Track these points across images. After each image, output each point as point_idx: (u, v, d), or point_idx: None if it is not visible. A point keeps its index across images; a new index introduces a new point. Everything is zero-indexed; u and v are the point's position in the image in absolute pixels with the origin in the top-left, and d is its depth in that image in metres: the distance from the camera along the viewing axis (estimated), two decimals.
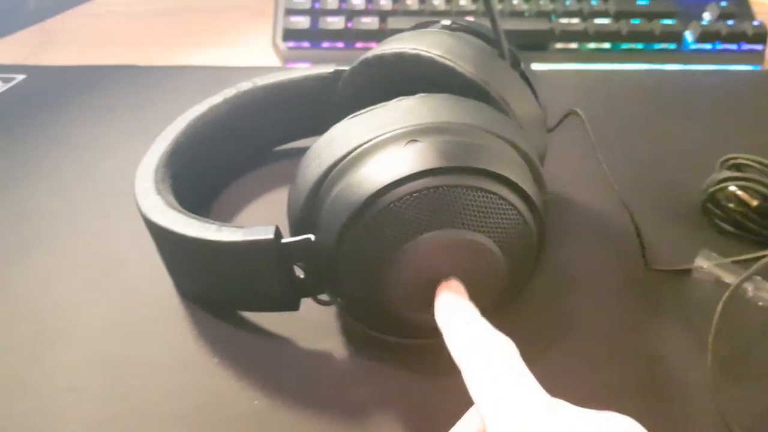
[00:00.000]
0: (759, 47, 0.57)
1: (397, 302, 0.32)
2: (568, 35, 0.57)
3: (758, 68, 0.57)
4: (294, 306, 0.35)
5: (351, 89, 0.40)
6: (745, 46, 0.57)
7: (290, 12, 0.58)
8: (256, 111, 0.44)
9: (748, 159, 0.43)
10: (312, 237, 0.32)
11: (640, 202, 0.44)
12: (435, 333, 0.33)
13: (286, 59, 0.57)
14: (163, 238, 0.35)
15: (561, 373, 0.35)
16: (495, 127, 0.32)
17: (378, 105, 0.33)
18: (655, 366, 0.36)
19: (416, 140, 0.31)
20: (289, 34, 0.57)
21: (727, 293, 0.34)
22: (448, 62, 0.36)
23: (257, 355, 0.35)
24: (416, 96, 0.33)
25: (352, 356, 0.35)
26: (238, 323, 0.37)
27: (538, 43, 0.57)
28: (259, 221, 0.33)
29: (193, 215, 0.34)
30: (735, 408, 0.33)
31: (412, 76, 0.37)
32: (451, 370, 0.34)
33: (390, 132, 0.31)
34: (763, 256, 0.36)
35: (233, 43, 0.61)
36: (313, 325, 0.36)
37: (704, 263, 0.40)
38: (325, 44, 0.57)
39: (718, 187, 0.42)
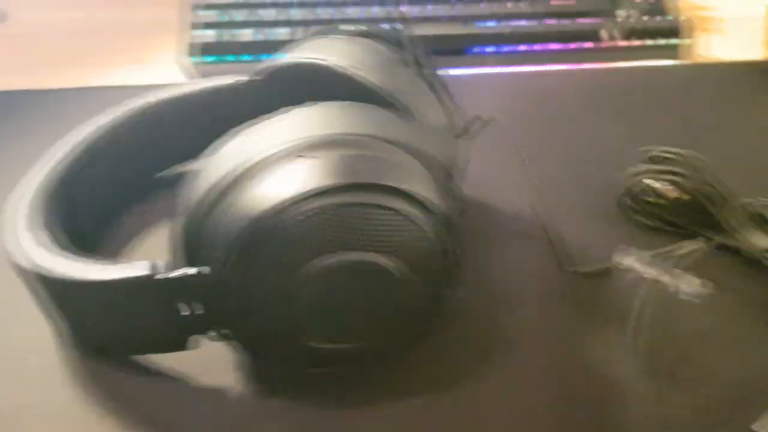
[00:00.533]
0: (675, 41, 0.57)
1: (292, 333, 0.29)
2: (485, 38, 0.56)
3: (675, 62, 0.57)
4: (182, 346, 0.32)
5: (247, 103, 0.38)
6: (661, 41, 0.57)
7: (196, 26, 0.55)
8: (150, 129, 0.41)
9: (665, 151, 0.42)
10: (193, 270, 0.29)
11: (558, 202, 0.43)
12: (338, 360, 0.31)
13: (192, 75, 0.54)
14: (28, 279, 0.32)
15: (494, 390, 0.33)
16: (396, 136, 0.30)
17: (264, 117, 0.30)
18: (587, 374, 0.34)
19: (305, 156, 0.28)
20: (196, 49, 0.54)
21: (646, 290, 0.33)
22: (346, 71, 0.34)
23: (148, 401, 0.32)
24: (308, 105, 0.31)
25: (252, 393, 0.33)
26: (126, 368, 0.34)
27: (455, 48, 0.56)
28: (158, 254, 0.30)
29: (69, 252, 0.31)
30: (670, 414, 0.32)
31: (311, 88, 0.34)
32: (359, 400, 0.32)
33: (276, 148, 0.29)
34: (683, 248, 0.35)
35: (145, 61, 0.58)
36: (208, 363, 0.33)
37: (622, 260, 0.38)
38: (233, 58, 0.55)
39: (634, 180, 0.41)
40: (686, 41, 0.57)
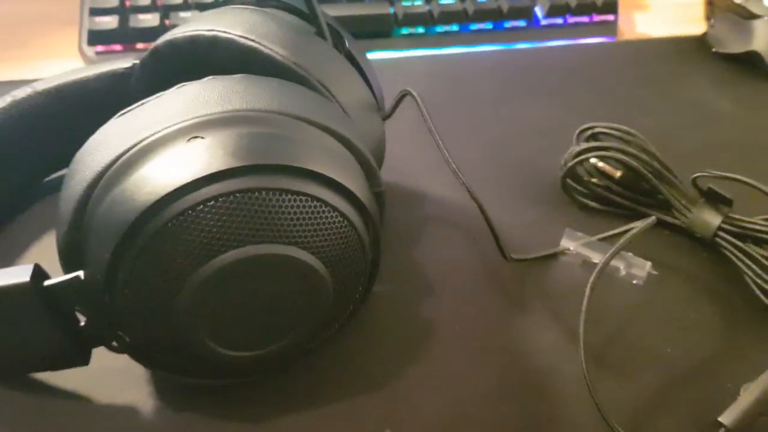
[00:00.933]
0: (610, 17, 0.55)
1: (199, 342, 0.25)
2: (413, 18, 0.52)
3: (612, 39, 0.55)
4: (83, 360, 0.28)
5: (144, 86, 0.33)
6: (597, 18, 0.55)
7: (95, 12, 0.50)
8: (37, 123, 0.37)
9: (606, 127, 0.39)
10: (81, 273, 0.25)
11: (495, 188, 0.40)
12: (248, 367, 0.28)
13: None
14: None
15: (429, 383, 0.30)
16: (306, 111, 0.27)
17: (153, 96, 0.26)
18: (528, 363, 0.32)
19: (199, 136, 0.24)
20: (96, 37, 0.49)
21: (594, 275, 0.30)
22: (251, 43, 0.30)
23: (49, 423, 0.29)
24: (203, 80, 0.27)
25: (161, 408, 0.29)
26: (22, 387, 0.30)
27: (380, 30, 0.52)
28: (44, 264, 0.26)
29: None
30: (612, 399, 0.29)
31: (212, 64, 0.30)
32: (276, 408, 0.29)
33: (167, 128, 0.24)
34: (631, 230, 0.32)
35: (40, 56, 0.52)
36: (113, 376, 0.30)
37: (569, 244, 0.35)
38: (140, 45, 0.50)
39: (576, 160, 0.38)
40: (620, 18, 0.55)
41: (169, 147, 0.24)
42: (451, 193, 0.39)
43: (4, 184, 0.37)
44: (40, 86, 0.37)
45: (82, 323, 0.27)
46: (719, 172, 0.35)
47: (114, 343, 0.27)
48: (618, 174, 0.38)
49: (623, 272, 0.34)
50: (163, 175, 0.23)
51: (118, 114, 0.26)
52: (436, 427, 0.29)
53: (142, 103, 0.26)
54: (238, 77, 0.27)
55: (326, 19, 0.33)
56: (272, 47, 0.30)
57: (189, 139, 0.24)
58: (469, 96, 0.48)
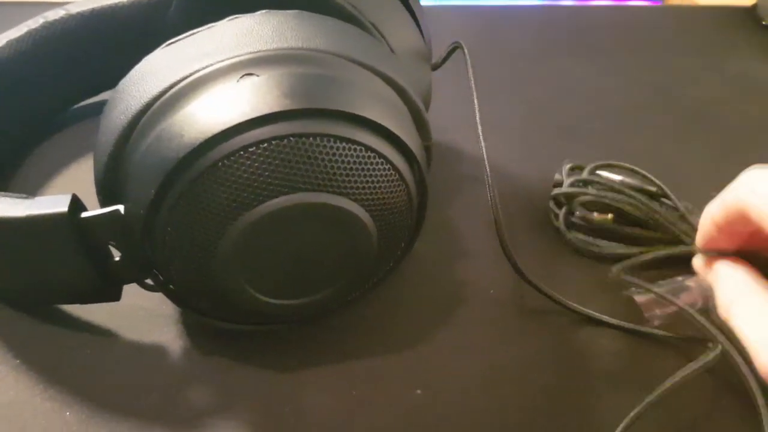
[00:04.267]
0: None
1: (238, 288, 0.25)
2: None
3: (659, 3, 0.53)
4: (115, 296, 0.27)
5: (182, 17, 0.32)
6: None
7: None
8: (69, 47, 0.35)
9: (599, 166, 0.35)
10: (121, 208, 0.24)
11: (533, 157, 0.39)
12: (285, 316, 0.27)
13: None
14: None
15: (461, 346, 0.30)
16: (362, 54, 0.25)
17: (203, 27, 0.25)
18: (562, 334, 0.30)
19: (253, 74, 0.23)
20: None
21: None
22: None
23: (72, 356, 0.28)
24: (256, 14, 0.25)
25: (189, 350, 0.29)
26: (48, 318, 0.29)
27: None
28: (78, 192, 0.25)
29: None
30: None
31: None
32: (305, 361, 0.28)
33: (217, 63, 0.23)
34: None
35: None
36: (141, 315, 0.29)
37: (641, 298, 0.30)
38: None
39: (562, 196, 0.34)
40: None
41: (221, 82, 0.23)
42: (492, 152, 0.38)
43: (32, 107, 0.36)
44: (73, 9, 0.35)
45: (117, 258, 0.26)
46: None
47: (148, 281, 0.26)
48: (609, 217, 0.33)
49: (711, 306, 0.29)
50: (214, 112, 0.22)
51: (166, 43, 0.25)
52: (466, 391, 0.28)
53: (192, 33, 0.25)
54: (292, 13, 0.26)
55: None
56: None
57: (242, 76, 0.23)
58: (511, 52, 0.47)
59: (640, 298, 0.30)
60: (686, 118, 0.41)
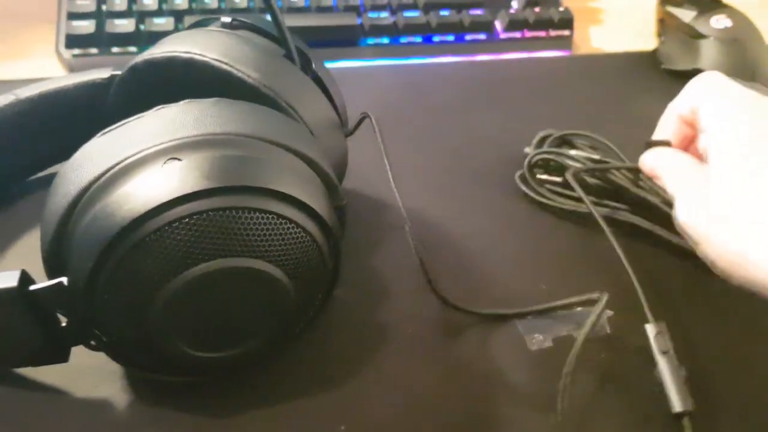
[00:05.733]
0: (566, 32, 0.58)
1: (172, 345, 0.28)
2: (378, 30, 0.55)
3: (568, 53, 0.58)
4: (63, 357, 0.30)
5: (121, 101, 0.36)
6: (553, 32, 0.58)
7: (73, 16, 0.52)
8: (20, 128, 0.38)
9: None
10: (64, 280, 0.27)
11: (452, 197, 0.43)
12: (217, 367, 0.30)
13: (72, 68, 0.51)
14: None
15: (381, 383, 0.33)
16: (273, 134, 0.29)
17: (134, 117, 0.28)
18: (472, 367, 0.34)
19: (176, 158, 0.27)
20: (73, 41, 0.51)
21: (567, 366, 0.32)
22: (224, 66, 0.32)
23: (28, 414, 0.31)
24: (180, 103, 0.29)
25: (134, 403, 0.32)
26: (3, 381, 0.32)
27: (347, 39, 0.54)
28: (25, 264, 0.28)
29: None
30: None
31: (187, 83, 0.33)
32: (240, 406, 0.32)
33: (145, 150, 0.27)
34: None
35: (17, 54, 0.54)
36: (89, 372, 0.32)
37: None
38: (115, 49, 0.52)
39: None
40: (575, 33, 0.58)
41: (148, 167, 0.26)
42: (411, 202, 0.42)
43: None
44: (22, 93, 0.39)
45: (63, 324, 0.29)
46: None
47: (92, 342, 0.30)
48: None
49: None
50: (142, 193, 0.26)
51: (101, 132, 0.29)
52: (386, 424, 0.32)
53: (123, 123, 0.29)
54: (212, 101, 0.29)
55: (294, 42, 0.35)
56: (244, 70, 0.32)
57: (166, 160, 0.27)
58: (431, 104, 0.51)
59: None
60: None
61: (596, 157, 0.44)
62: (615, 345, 0.36)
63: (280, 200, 0.27)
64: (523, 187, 0.44)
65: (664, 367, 0.32)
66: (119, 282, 0.26)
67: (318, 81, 0.35)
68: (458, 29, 0.56)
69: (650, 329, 0.33)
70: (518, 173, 0.44)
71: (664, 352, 0.32)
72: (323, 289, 0.31)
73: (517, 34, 0.57)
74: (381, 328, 0.36)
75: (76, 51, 0.51)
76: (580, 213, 0.42)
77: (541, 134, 0.47)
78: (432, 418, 0.32)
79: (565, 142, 0.47)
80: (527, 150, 0.46)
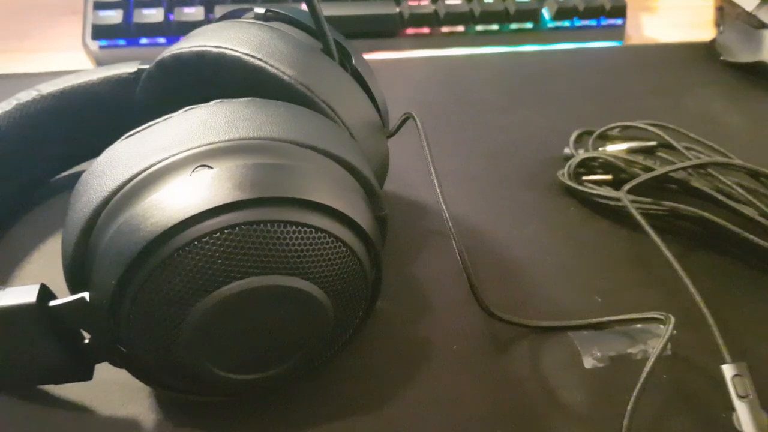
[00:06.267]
0: (618, 21, 0.55)
1: (201, 366, 0.26)
2: (419, 19, 0.52)
3: (619, 44, 0.54)
4: (87, 375, 0.28)
5: (148, 98, 0.33)
6: (604, 22, 0.54)
7: (99, 5, 0.50)
8: (42, 126, 0.37)
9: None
10: (86, 295, 0.25)
11: (497, 200, 0.40)
12: (250, 387, 0.28)
13: (99, 61, 0.49)
14: None
15: (425, 402, 0.31)
16: (311, 138, 0.27)
17: (160, 119, 0.26)
18: (524, 386, 0.31)
19: (206, 165, 0.24)
20: (100, 31, 0.49)
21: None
22: (257, 62, 0.30)
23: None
24: (210, 104, 0.27)
25: (162, 423, 0.30)
26: (26, 399, 0.30)
27: (385, 30, 0.52)
28: (48, 274, 0.27)
29: None
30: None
31: (218, 80, 0.30)
32: (277, 426, 0.29)
33: (172, 156, 0.25)
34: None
35: (43, 48, 0.52)
36: (115, 390, 0.30)
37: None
38: (144, 40, 0.50)
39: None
40: (628, 22, 0.55)
41: (176, 175, 0.24)
42: (453, 207, 0.39)
43: (9, 185, 0.37)
44: (45, 89, 0.37)
45: (86, 340, 0.27)
46: None
47: (117, 360, 0.28)
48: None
49: (642, 354, 0.33)
50: (169, 205, 0.23)
51: (126, 135, 0.26)
52: None
53: (149, 126, 0.26)
54: (244, 101, 0.27)
55: (333, 35, 0.32)
56: (279, 66, 0.30)
57: (195, 168, 0.24)
58: (474, 99, 0.48)
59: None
60: None
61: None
62: (678, 366, 0.33)
63: (318, 212, 0.25)
64: (571, 186, 0.41)
65: (743, 414, 0.28)
66: (145, 301, 0.24)
67: (358, 77, 0.33)
68: (503, 18, 0.53)
69: (727, 370, 0.30)
70: (560, 173, 0.41)
71: (743, 397, 0.29)
72: (363, 306, 0.29)
73: (566, 23, 0.54)
74: (424, 342, 0.33)
75: (103, 42, 0.49)
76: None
77: (577, 132, 0.44)
78: None
79: (604, 137, 0.44)
80: (567, 151, 0.43)
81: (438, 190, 0.32)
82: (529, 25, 0.54)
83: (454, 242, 0.32)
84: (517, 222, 0.40)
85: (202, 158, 0.25)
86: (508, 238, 0.39)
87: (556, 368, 0.32)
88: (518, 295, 0.36)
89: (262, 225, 0.24)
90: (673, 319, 0.30)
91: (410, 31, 0.52)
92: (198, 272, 0.23)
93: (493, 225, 0.39)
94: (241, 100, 0.27)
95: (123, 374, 0.28)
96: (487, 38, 0.53)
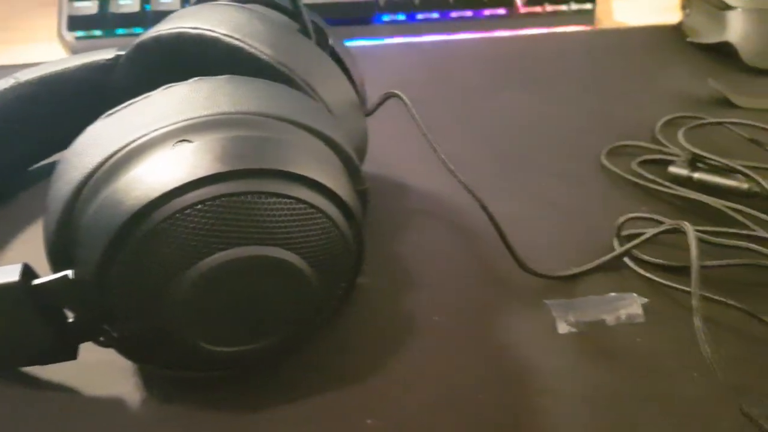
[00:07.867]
0: (588, 6, 0.56)
1: (188, 340, 0.26)
2: (394, 5, 0.53)
3: (590, 27, 0.56)
4: (71, 355, 0.29)
5: (127, 81, 0.34)
6: (575, 5, 0.55)
7: None
8: (21, 113, 0.37)
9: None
10: (70, 273, 0.25)
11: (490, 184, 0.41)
12: (235, 361, 0.28)
13: (76, 52, 0.49)
14: None
15: (409, 375, 0.31)
16: (290, 113, 0.27)
17: (140, 97, 0.26)
18: (508, 355, 0.32)
19: (187, 140, 0.25)
20: (76, 22, 0.49)
21: None
22: (236, 42, 0.30)
23: (35, 415, 0.29)
24: (189, 81, 0.27)
25: (148, 400, 0.30)
26: (10, 381, 0.30)
27: (362, 16, 0.52)
28: (28, 258, 0.26)
29: None
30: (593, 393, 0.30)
31: (197, 61, 0.31)
32: (261, 402, 0.30)
33: (153, 132, 0.25)
34: None
35: (19, 40, 0.52)
36: (101, 369, 0.30)
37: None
38: (120, 31, 0.50)
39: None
40: (597, 7, 0.56)
41: (157, 150, 0.25)
42: (434, 185, 0.40)
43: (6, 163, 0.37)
44: (23, 77, 0.37)
45: (70, 319, 0.27)
46: None
47: (101, 338, 0.28)
48: None
49: (616, 320, 0.34)
50: (151, 178, 0.24)
51: (106, 114, 0.27)
52: (415, 418, 0.30)
53: (129, 104, 0.27)
54: (224, 78, 0.27)
55: (310, 16, 0.33)
56: (257, 46, 0.30)
57: (177, 142, 0.25)
58: (449, 84, 0.49)
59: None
60: (624, 137, 0.43)
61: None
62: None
63: (299, 184, 0.25)
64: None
65: None
66: (129, 275, 0.24)
67: (335, 57, 0.33)
68: (477, 4, 0.54)
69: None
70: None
71: None
72: (346, 278, 0.29)
73: (537, 9, 0.55)
74: (407, 315, 0.34)
75: (79, 33, 0.49)
76: None
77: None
78: (464, 408, 0.30)
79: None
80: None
81: (444, 159, 0.33)
82: (502, 11, 0.54)
83: (478, 202, 0.34)
84: (507, 200, 0.40)
85: (182, 133, 0.25)
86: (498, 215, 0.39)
87: (534, 335, 0.33)
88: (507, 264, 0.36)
89: (243, 196, 0.24)
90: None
91: (386, 17, 0.53)
92: (181, 244, 0.24)
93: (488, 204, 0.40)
94: (222, 77, 0.27)
95: (107, 354, 0.28)
96: (461, 24, 0.54)
